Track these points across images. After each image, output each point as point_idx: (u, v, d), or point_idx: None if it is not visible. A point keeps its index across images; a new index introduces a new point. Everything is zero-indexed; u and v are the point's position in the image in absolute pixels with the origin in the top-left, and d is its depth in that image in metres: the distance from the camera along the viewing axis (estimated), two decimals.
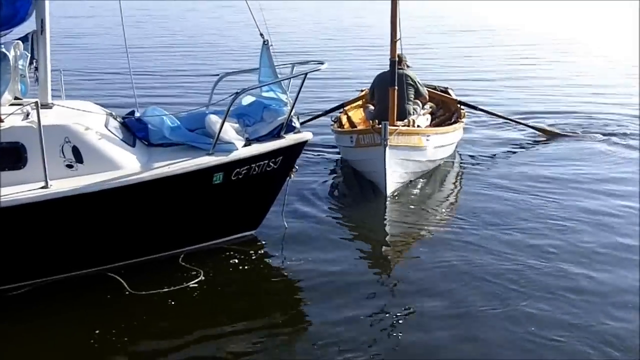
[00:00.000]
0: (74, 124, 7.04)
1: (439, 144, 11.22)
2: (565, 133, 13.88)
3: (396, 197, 10.20)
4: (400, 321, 6.69)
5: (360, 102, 13.33)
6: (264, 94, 8.22)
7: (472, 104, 13.74)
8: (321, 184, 10.84)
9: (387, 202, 9.94)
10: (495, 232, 8.81)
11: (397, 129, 10.26)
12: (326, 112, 13.38)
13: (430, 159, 11.14)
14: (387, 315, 6.79)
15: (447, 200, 10.58)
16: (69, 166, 6.93)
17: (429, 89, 13.02)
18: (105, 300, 6.98)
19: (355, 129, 12.00)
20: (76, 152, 6.94)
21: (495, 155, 12.71)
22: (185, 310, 6.88)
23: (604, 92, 18.49)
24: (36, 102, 6.71)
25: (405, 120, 11.25)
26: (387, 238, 8.98)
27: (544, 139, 13.60)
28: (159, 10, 49.02)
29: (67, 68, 9.56)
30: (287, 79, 8.19)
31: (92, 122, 7.28)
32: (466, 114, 12.99)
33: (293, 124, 8.07)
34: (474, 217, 9.34)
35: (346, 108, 13.02)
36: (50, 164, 6.67)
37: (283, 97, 8.11)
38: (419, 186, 10.79)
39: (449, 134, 11.68)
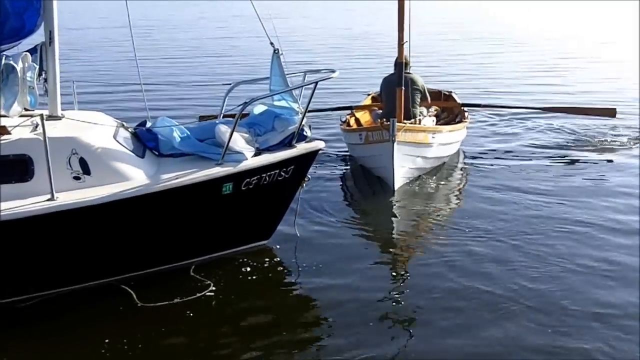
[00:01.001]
0: (81, 136, 7.00)
1: (444, 141, 11.72)
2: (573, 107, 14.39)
3: (404, 195, 10.50)
4: (411, 331, 6.63)
5: (368, 106, 13.86)
6: (276, 103, 8.17)
7: (475, 102, 14.49)
8: (331, 185, 11.11)
9: (396, 201, 10.22)
10: (498, 230, 8.97)
11: (404, 126, 10.71)
12: (334, 109, 14.09)
13: (436, 156, 11.65)
14: (399, 323, 6.75)
15: (453, 198, 10.84)
16: (76, 178, 6.88)
17: (434, 95, 13.58)
18: (114, 312, 6.91)
19: (364, 127, 12.37)
20: (83, 163, 6.89)
21: (498, 154, 13.02)
22: (195, 321, 6.78)
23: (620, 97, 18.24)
24: (41, 115, 6.65)
25: (412, 120, 11.69)
26: (397, 240, 9.09)
27: (544, 130, 14.33)
28: (167, 20, 49.19)
29: (80, 79, 9.55)
30: (297, 87, 8.14)
31: (100, 133, 7.23)
32: (470, 115, 13.52)
33: (304, 133, 7.98)
34: (479, 215, 9.54)
35: (354, 110, 13.51)
36: (57, 176, 6.62)
37: (295, 105, 8.05)
38: (425, 183, 11.18)
39: (454, 133, 12.17)
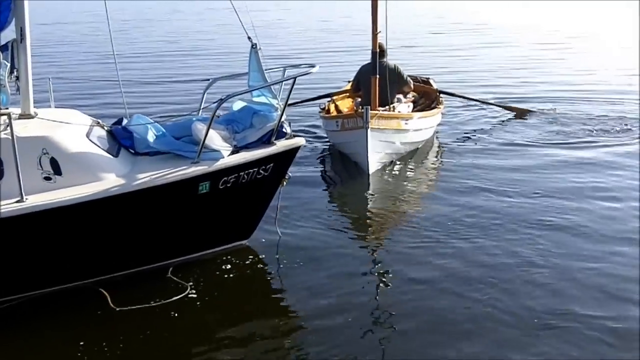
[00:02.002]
0: (52, 135, 6.79)
1: (417, 127, 12.20)
2: (539, 110, 15.13)
3: (379, 180, 10.99)
4: (393, 324, 6.60)
5: (347, 93, 14.25)
6: (255, 99, 7.99)
7: (450, 91, 14.91)
8: (311, 172, 11.46)
9: (371, 187, 10.63)
10: (466, 211, 9.34)
11: (378, 113, 11.26)
12: (313, 99, 14.42)
13: (409, 142, 12.15)
14: (379, 321, 6.69)
15: (425, 183, 11.25)
16: (47, 178, 6.69)
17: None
18: (88, 316, 6.72)
19: (341, 114, 12.91)
20: (54, 163, 6.69)
21: (473, 140, 13.36)
22: (172, 325, 6.61)
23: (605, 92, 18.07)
24: (8, 114, 6.46)
25: (387, 107, 12.17)
26: (374, 229, 9.20)
27: (519, 121, 14.64)
28: (144, 13, 48.70)
29: (54, 76, 9.35)
30: (274, 83, 7.93)
31: (72, 132, 7.03)
32: (445, 101, 14.10)
33: (284, 129, 7.81)
34: (450, 201, 9.84)
35: (334, 97, 13.97)
36: (27, 176, 6.43)
37: (274, 102, 7.87)
38: (399, 168, 11.66)
39: (427, 119, 12.66)
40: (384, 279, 7.65)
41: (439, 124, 13.62)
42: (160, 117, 9.74)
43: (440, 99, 13.95)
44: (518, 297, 6.95)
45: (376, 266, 8.05)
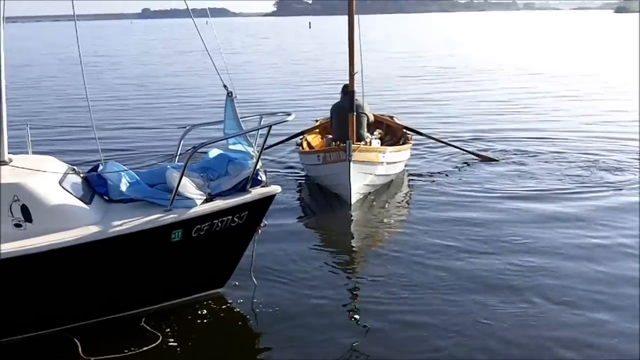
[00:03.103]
0: (24, 182, 6.78)
1: (392, 160, 13.08)
2: (493, 157, 15.36)
3: (359, 210, 11.60)
4: None
5: (317, 130, 15.44)
6: (231, 147, 8.03)
7: (415, 129, 15.53)
8: (290, 206, 11.83)
9: (352, 217, 11.24)
10: (441, 236, 10.09)
11: (358, 147, 11.99)
12: (288, 139, 15.28)
13: (386, 174, 12.97)
14: None
15: (401, 215, 11.74)
16: (18, 225, 6.65)
17: (377, 118, 14.82)
18: None
19: (322, 148, 13.72)
20: (25, 211, 6.67)
21: (439, 172, 14.20)
22: None
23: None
24: None
25: (363, 142, 12.96)
26: (358, 267, 9.38)
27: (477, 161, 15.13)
28: (118, 55, 48.68)
29: (30, 121, 9.34)
30: (250, 131, 7.99)
31: (45, 179, 7.01)
32: (412, 137, 14.93)
33: (259, 177, 7.81)
34: (426, 225, 10.64)
35: (305, 135, 14.99)
36: None
37: (250, 149, 7.91)
38: (377, 199, 12.30)
39: (400, 153, 13.61)
40: (363, 326, 7.56)
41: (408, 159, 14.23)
42: (132, 163, 9.66)
43: (408, 135, 14.79)
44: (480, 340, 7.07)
45: (355, 313, 7.95)
